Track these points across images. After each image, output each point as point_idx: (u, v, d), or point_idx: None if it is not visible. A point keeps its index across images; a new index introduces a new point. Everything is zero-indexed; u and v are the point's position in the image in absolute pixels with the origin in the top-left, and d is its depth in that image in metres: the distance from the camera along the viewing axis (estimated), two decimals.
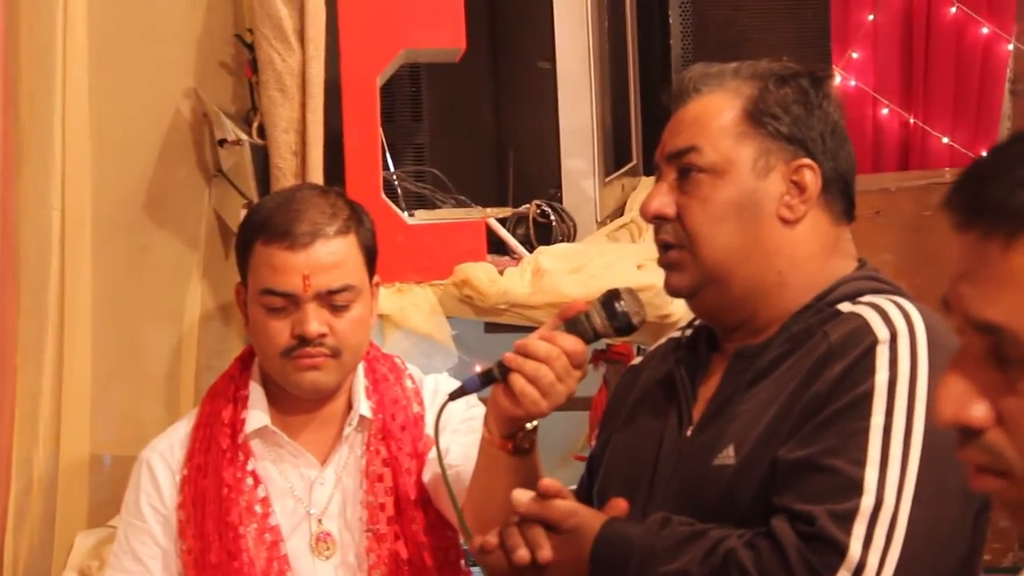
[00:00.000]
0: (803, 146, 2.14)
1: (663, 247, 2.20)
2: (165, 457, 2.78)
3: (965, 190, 1.26)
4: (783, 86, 2.17)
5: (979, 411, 1.25)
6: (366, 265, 2.74)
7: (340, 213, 2.71)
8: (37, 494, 3.24)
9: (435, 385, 2.86)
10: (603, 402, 3.60)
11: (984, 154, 1.31)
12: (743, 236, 2.13)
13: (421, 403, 2.81)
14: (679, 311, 3.48)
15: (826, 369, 2.01)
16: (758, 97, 2.15)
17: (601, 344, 3.57)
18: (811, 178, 2.14)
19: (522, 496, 2.09)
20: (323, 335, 2.65)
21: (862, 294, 2.11)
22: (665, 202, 2.17)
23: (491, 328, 3.58)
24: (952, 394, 1.27)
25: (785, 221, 2.13)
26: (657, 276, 3.47)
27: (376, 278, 2.79)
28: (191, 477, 2.73)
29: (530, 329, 3.50)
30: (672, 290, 2.22)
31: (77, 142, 3.28)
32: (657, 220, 2.18)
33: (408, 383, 2.83)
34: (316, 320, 2.65)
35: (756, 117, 2.14)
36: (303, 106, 3.29)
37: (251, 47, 3.35)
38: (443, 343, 3.36)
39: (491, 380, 2.23)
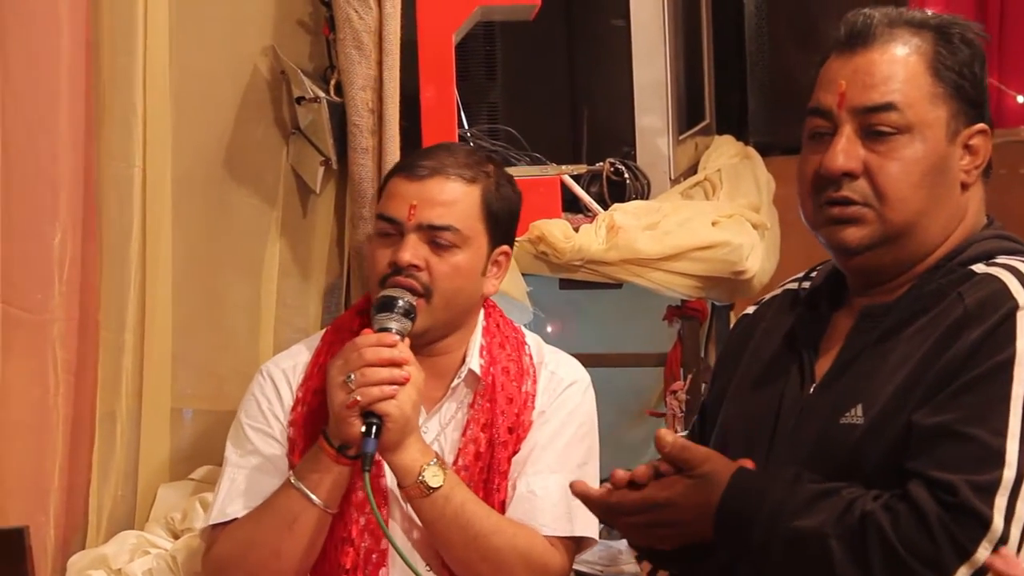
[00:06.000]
0: (982, 109, 2.12)
1: (842, 202, 2.11)
2: (287, 373, 2.81)
3: None
4: (962, 44, 2.12)
5: None
6: (484, 220, 2.74)
7: (473, 164, 2.74)
8: (120, 448, 3.27)
9: (554, 367, 2.83)
10: (678, 358, 3.61)
11: None
12: (934, 200, 2.10)
13: (535, 381, 2.79)
14: (753, 267, 3.49)
15: (963, 333, 1.99)
16: (945, 56, 2.10)
17: (676, 300, 3.59)
18: (983, 143, 2.12)
19: (668, 436, 2.07)
20: (416, 267, 2.66)
21: (995, 255, 2.09)
22: (853, 157, 2.10)
23: (566, 284, 3.60)
24: None
25: (964, 186, 2.12)
26: (731, 233, 3.50)
27: (503, 248, 2.78)
28: (306, 398, 2.76)
29: (604, 285, 3.56)
30: (846, 245, 2.12)
31: (157, 100, 3.30)
32: (844, 176, 2.10)
33: (526, 360, 2.82)
34: (412, 250, 2.67)
35: (946, 77, 2.10)
36: (380, 63, 3.30)
37: (328, 5, 3.36)
38: (518, 299, 3.38)
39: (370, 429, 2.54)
